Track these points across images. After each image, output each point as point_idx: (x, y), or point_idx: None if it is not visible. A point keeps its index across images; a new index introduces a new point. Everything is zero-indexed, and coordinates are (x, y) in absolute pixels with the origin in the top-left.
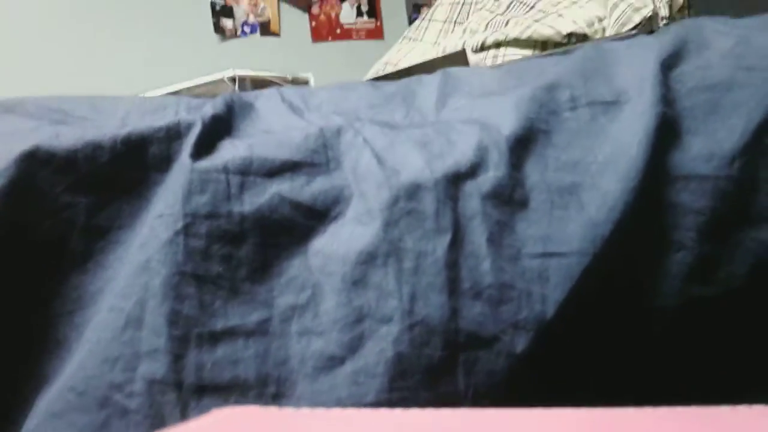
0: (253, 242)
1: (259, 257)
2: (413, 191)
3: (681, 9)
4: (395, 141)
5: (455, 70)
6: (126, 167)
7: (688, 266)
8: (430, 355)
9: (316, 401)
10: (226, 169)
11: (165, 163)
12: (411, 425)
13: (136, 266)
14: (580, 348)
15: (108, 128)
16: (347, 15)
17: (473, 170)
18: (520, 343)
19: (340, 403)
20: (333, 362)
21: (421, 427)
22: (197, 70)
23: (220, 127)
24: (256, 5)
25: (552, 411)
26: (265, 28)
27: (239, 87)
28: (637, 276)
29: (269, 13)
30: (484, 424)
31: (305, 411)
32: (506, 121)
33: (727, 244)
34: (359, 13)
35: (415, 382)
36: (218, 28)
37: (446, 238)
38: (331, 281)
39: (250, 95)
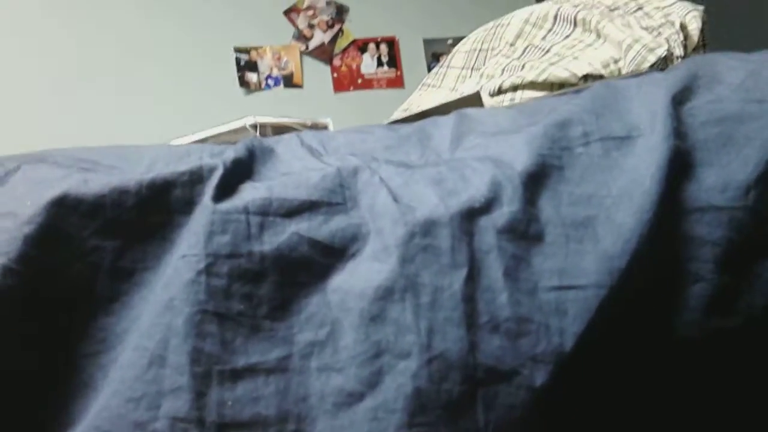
0: (272, 280)
1: (278, 295)
2: (429, 227)
3: (696, 48)
4: (410, 179)
5: (469, 111)
6: (151, 211)
7: (707, 298)
8: (449, 389)
9: None
10: (246, 210)
11: (188, 205)
12: None
13: (160, 306)
14: (601, 381)
15: (134, 174)
16: (368, 66)
17: (488, 205)
18: (540, 377)
19: None
20: (352, 398)
21: None
22: (223, 121)
23: (241, 171)
24: (279, 59)
25: None
26: (289, 81)
27: (261, 133)
28: (655, 308)
29: (292, 67)
30: None
31: None
32: (519, 157)
33: (745, 274)
34: (380, 64)
35: (434, 418)
36: (243, 82)
37: (462, 273)
38: (349, 317)
39: (270, 140)
